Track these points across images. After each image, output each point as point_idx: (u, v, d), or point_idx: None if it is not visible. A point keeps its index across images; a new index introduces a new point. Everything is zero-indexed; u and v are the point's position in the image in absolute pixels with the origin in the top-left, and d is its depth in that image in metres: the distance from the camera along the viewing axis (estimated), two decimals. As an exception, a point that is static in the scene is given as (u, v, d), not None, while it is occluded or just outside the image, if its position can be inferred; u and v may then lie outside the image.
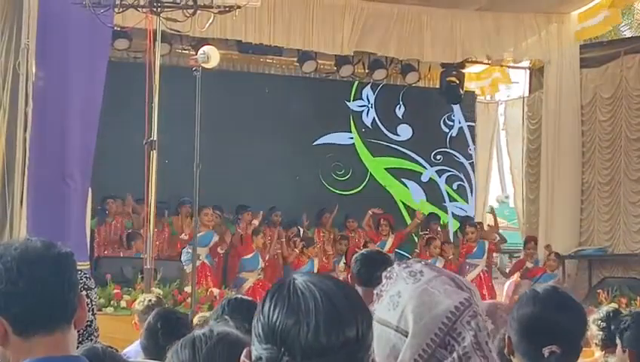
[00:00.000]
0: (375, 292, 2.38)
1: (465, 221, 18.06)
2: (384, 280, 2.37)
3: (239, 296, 5.61)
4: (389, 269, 2.39)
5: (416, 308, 2.26)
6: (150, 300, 7.82)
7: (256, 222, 15.97)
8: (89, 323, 4.00)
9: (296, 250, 16.10)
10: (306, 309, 1.85)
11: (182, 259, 14.94)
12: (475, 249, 16.94)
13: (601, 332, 5.86)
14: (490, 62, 19.60)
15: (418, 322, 2.25)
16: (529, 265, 16.99)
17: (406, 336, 2.26)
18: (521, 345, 3.14)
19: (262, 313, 1.88)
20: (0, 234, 12.40)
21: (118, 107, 14.64)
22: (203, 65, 11.63)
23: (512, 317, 3.21)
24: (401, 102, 19.25)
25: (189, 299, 12.42)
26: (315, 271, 15.45)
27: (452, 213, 19.55)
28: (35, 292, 2.26)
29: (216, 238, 15.41)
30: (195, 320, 8.22)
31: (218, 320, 4.47)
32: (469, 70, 19.96)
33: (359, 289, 5.81)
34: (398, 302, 2.29)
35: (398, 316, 2.27)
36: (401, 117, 19.28)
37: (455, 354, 2.25)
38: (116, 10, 11.73)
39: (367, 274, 5.65)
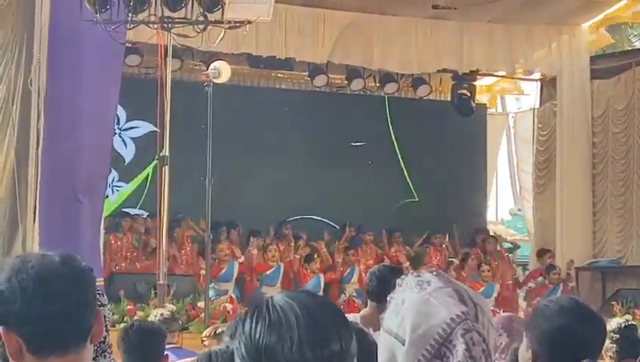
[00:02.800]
0: (387, 298, 2.42)
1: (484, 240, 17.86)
2: (396, 288, 2.41)
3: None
4: (402, 277, 2.43)
5: (414, 318, 2.30)
6: (162, 314, 7.85)
7: (255, 252, 15.76)
8: (102, 339, 3.99)
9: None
10: (287, 324, 1.85)
11: (209, 295, 14.22)
12: (481, 290, 15.15)
13: (614, 345, 5.85)
14: (501, 74, 19.59)
15: (415, 331, 2.28)
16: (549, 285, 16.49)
17: (403, 344, 2.30)
18: (548, 359, 3.11)
19: (243, 333, 1.88)
20: (12, 251, 12.39)
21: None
22: (214, 80, 11.67)
23: (538, 330, 3.17)
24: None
25: (203, 314, 12.41)
26: (322, 286, 15.40)
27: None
28: (50, 313, 2.21)
29: (237, 268, 15.11)
30: (206, 333, 8.24)
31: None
32: (480, 82, 19.95)
33: (372, 304, 5.80)
34: (400, 309, 2.32)
35: (398, 323, 2.31)
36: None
37: None
38: (127, 26, 11.75)
39: (378, 289, 5.63)
